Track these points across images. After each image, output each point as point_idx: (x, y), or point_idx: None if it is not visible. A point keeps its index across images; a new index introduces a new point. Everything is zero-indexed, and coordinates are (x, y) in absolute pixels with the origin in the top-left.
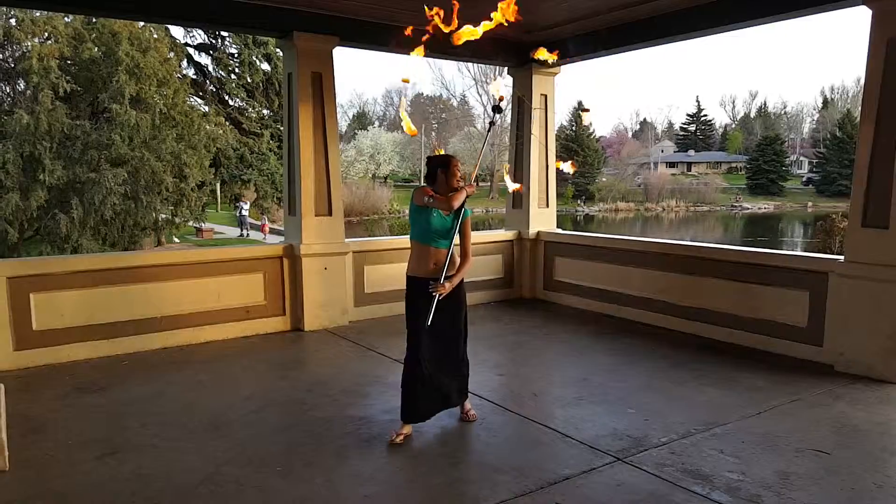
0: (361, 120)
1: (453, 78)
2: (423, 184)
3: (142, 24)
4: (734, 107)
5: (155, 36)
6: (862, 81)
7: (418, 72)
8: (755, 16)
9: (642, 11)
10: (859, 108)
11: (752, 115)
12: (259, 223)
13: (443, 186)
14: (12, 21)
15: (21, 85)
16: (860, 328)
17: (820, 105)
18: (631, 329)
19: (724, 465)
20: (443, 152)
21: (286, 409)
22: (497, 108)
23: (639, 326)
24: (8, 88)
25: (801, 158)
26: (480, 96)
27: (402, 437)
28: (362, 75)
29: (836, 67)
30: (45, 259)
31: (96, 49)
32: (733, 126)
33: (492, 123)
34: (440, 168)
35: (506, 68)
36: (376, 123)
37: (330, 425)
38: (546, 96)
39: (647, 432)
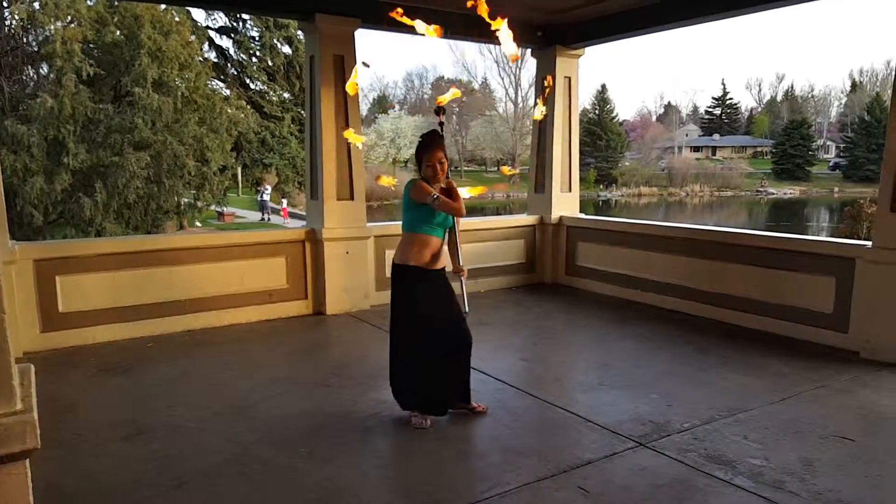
0: (382, 103)
1: (474, 60)
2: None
3: (164, 7)
4: (760, 90)
5: (177, 19)
6: (892, 64)
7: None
8: None
9: None
10: (889, 91)
11: (779, 98)
12: (279, 207)
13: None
14: (35, 5)
15: (45, 69)
16: (887, 315)
17: (848, 88)
18: (654, 315)
19: (748, 450)
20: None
21: (310, 392)
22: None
23: (662, 312)
24: (32, 72)
25: (829, 143)
26: (502, 79)
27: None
28: (383, 58)
29: (866, 49)
30: (71, 242)
31: (119, 32)
32: (759, 110)
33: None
34: (421, 153)
35: (529, 50)
36: (397, 107)
37: (354, 408)
38: (570, 79)
39: (670, 418)
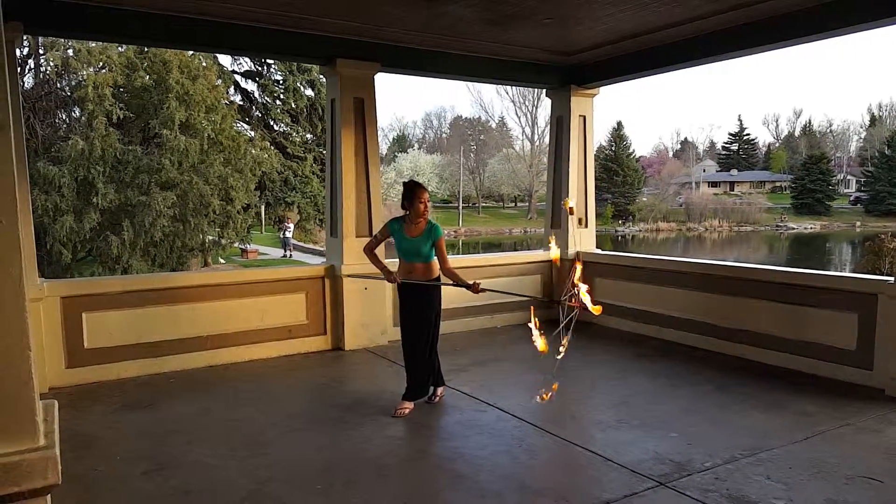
0: (401, 143)
1: (492, 100)
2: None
3: (191, 52)
4: (777, 125)
5: (204, 64)
6: None
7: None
8: (799, 34)
9: (681, 32)
10: None
11: (797, 133)
12: (302, 244)
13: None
14: (69, 52)
15: (77, 112)
16: None
17: (867, 123)
18: (673, 351)
19: (771, 491)
20: None
21: (327, 428)
22: None
23: (681, 348)
24: (64, 116)
25: (849, 177)
26: (519, 118)
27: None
28: (403, 99)
29: (884, 84)
30: (98, 279)
31: (148, 77)
32: (777, 145)
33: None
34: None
35: (544, 90)
36: (416, 146)
37: (370, 444)
38: (584, 117)
39: (691, 457)
